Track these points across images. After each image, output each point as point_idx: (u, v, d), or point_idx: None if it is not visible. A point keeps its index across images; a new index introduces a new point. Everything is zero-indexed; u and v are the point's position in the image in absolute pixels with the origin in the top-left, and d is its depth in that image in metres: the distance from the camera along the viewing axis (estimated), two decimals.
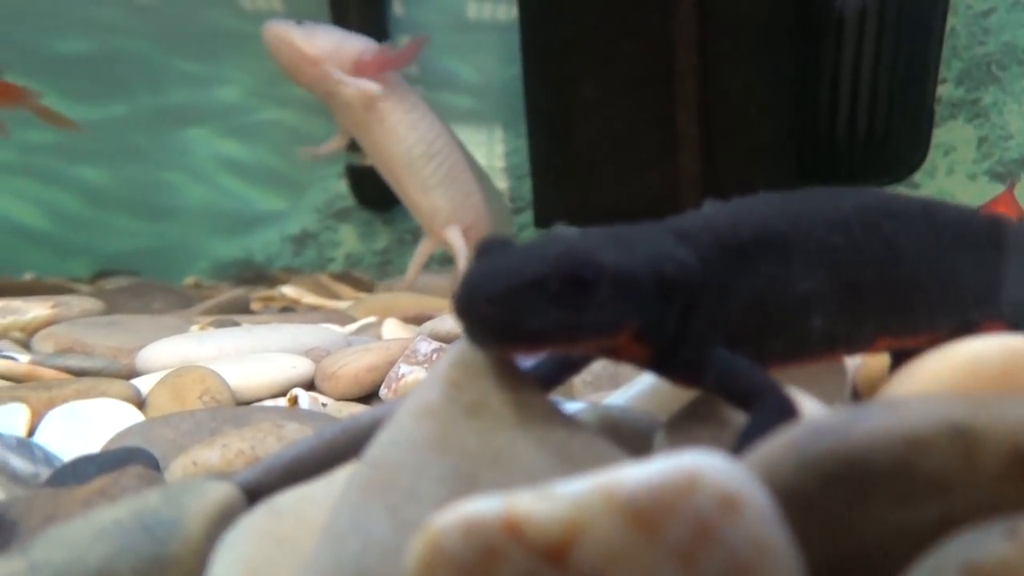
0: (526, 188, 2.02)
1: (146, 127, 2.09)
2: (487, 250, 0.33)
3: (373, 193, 2.04)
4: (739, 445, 0.31)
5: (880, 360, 0.46)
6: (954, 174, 2.12)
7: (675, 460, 0.25)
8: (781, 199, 0.38)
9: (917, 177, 2.12)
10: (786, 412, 0.32)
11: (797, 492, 0.25)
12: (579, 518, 0.24)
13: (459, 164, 1.37)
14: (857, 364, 0.49)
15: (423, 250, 1.43)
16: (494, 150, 2.21)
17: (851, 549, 0.24)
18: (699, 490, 0.24)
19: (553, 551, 0.24)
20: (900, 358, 0.42)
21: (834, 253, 0.37)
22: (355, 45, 1.26)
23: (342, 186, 2.13)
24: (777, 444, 0.26)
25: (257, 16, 2.00)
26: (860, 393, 0.47)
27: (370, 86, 1.24)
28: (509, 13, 2.02)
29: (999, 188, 2.09)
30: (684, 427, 0.37)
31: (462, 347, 0.33)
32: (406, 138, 1.30)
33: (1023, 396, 0.23)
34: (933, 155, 2.09)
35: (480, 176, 1.49)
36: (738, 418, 0.35)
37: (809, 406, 0.34)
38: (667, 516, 0.24)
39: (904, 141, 2.03)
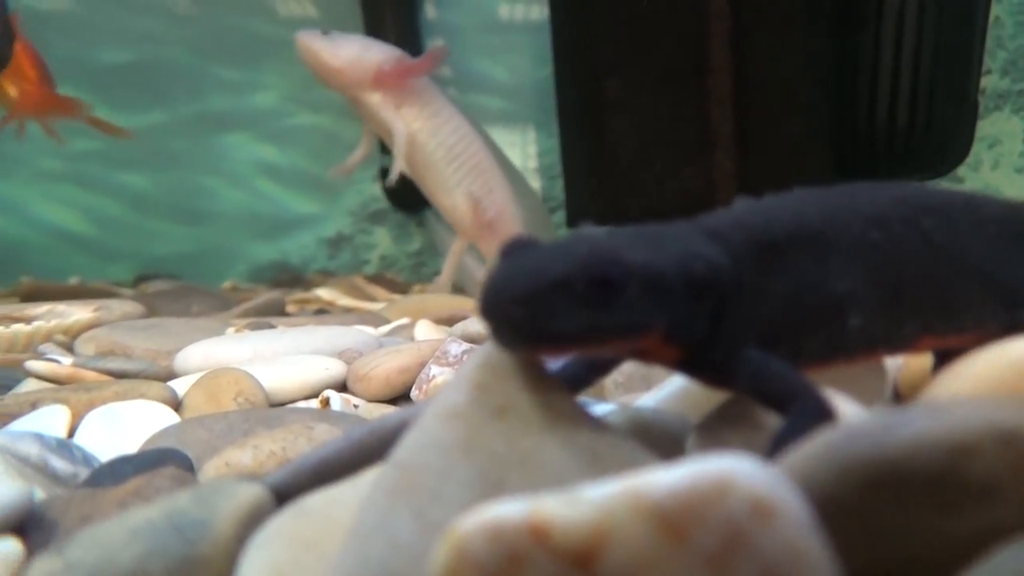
0: (559, 188, 2.02)
1: (186, 134, 2.14)
2: (512, 250, 0.32)
3: (407, 196, 2.06)
4: (773, 449, 0.30)
5: (923, 361, 0.44)
6: (1000, 168, 2.06)
7: (705, 464, 0.24)
8: (816, 195, 0.37)
9: (961, 171, 2.06)
10: (822, 415, 0.31)
11: (834, 498, 0.24)
12: (606, 524, 0.24)
13: (483, 163, 1.40)
14: (899, 365, 0.47)
15: (455, 249, 1.45)
16: (527, 150, 2.22)
17: (891, 558, 0.23)
18: (730, 495, 0.24)
19: (580, 557, 0.24)
20: (944, 358, 0.40)
21: (872, 250, 0.36)
22: (376, 55, 1.30)
23: (376, 189, 2.16)
24: (813, 448, 0.25)
25: (292, 23, 2.04)
26: (902, 395, 0.45)
27: (386, 100, 1.29)
28: (541, 13, 2.02)
29: None
30: (716, 430, 0.36)
31: (488, 349, 0.33)
32: (427, 143, 1.34)
33: None
34: (977, 148, 2.03)
35: (512, 174, 1.51)
36: (772, 421, 0.34)
37: (847, 409, 0.32)
38: (697, 523, 0.24)
39: (946, 134, 1.98)
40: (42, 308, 0.91)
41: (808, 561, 0.23)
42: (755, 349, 0.34)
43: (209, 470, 0.43)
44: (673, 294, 0.31)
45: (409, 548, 0.27)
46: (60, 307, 0.93)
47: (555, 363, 0.38)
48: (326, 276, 2.13)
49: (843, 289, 0.35)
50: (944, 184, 2.05)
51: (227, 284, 2.10)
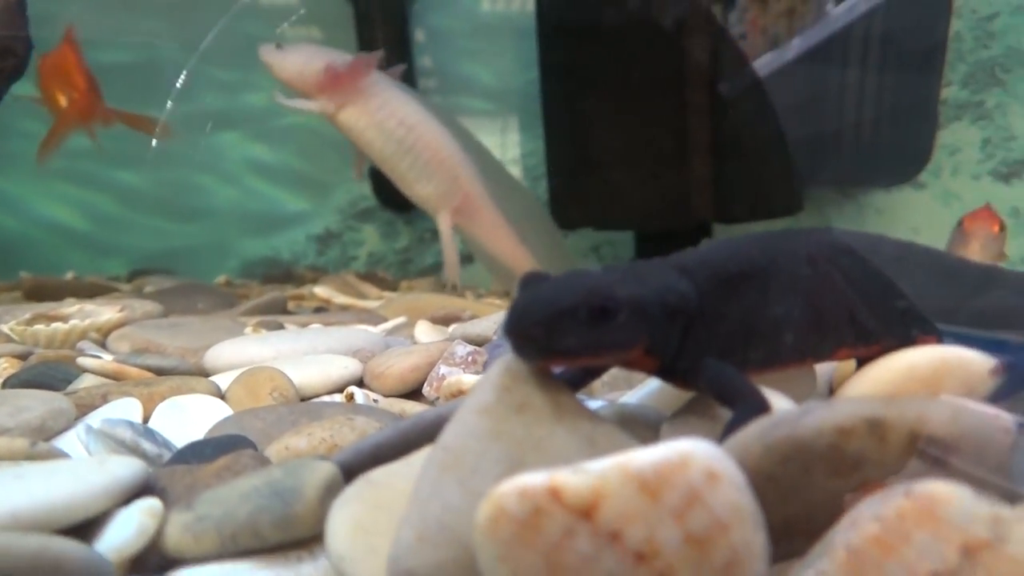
0: (542, 189, 2.10)
1: (179, 132, 2.18)
2: (530, 283, 0.42)
3: (394, 194, 2.13)
4: (723, 435, 0.41)
5: (850, 364, 0.56)
6: (959, 174, 2.17)
7: (673, 445, 0.34)
8: (762, 238, 0.48)
9: (922, 177, 2.18)
10: (761, 408, 0.41)
11: (762, 468, 0.34)
12: (603, 487, 0.33)
13: (440, 153, 1.43)
14: (834, 367, 0.59)
15: (444, 232, 1.49)
16: (511, 152, 2.29)
17: (799, 510, 0.34)
18: (691, 466, 0.33)
19: (584, 510, 0.33)
20: (861, 363, 0.52)
21: (803, 282, 0.47)
22: (319, 62, 1.37)
23: (365, 187, 2.22)
24: (749, 432, 0.35)
25: (285, 27, 2.09)
26: (836, 388, 0.57)
27: (330, 104, 1.36)
28: (527, 18, 2.08)
29: (1002, 188, 2.15)
30: (684, 420, 0.47)
31: (510, 359, 0.43)
32: (375, 139, 1.40)
33: (920, 396, 0.33)
34: (938, 156, 2.15)
35: (489, 164, 1.54)
36: (725, 414, 0.44)
37: (780, 403, 0.43)
38: (667, 485, 0.33)
39: (909, 144, 2.10)
40: (74, 307, 0.99)
41: (742, 512, 0.33)
42: (714, 359, 0.44)
43: (272, 452, 0.52)
44: (653, 319, 0.41)
45: (457, 508, 0.37)
46: (89, 306, 1.01)
47: (559, 370, 0.48)
48: (316, 272, 2.19)
49: (780, 313, 0.46)
50: (908, 189, 2.18)
51: (221, 279, 2.15)
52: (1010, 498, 0.36)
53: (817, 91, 1.93)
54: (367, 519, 0.38)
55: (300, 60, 1.38)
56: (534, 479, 0.34)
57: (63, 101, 1.35)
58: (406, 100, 1.43)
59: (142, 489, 0.42)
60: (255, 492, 0.39)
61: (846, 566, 0.32)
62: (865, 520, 0.31)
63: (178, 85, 1.64)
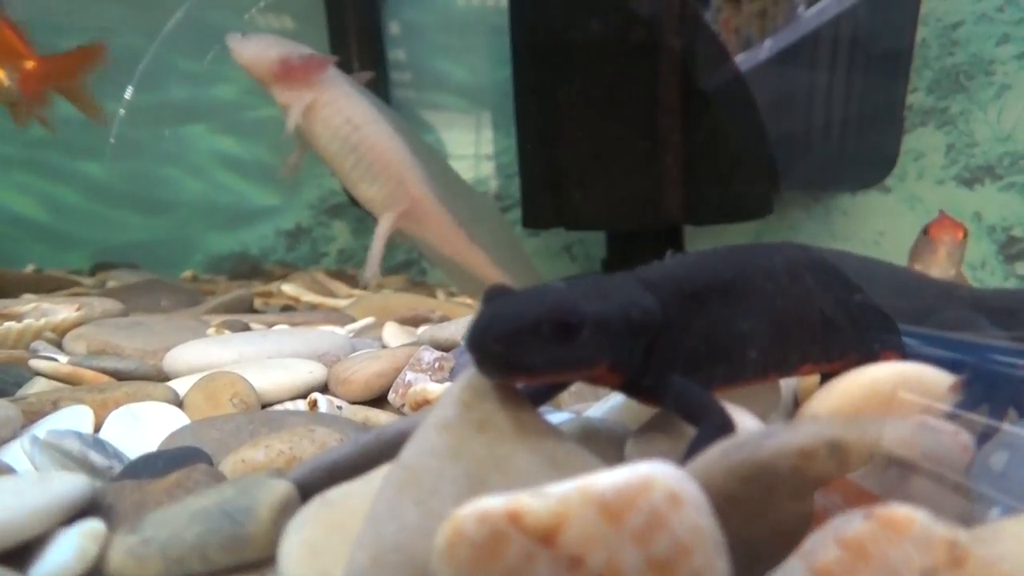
0: (515, 187, 2.10)
1: (146, 123, 2.14)
2: (493, 297, 0.41)
3: None
4: (687, 454, 0.40)
5: (814, 379, 0.56)
6: (923, 179, 2.22)
7: (636, 468, 0.33)
8: (727, 253, 0.48)
9: (888, 182, 2.22)
10: (725, 427, 0.41)
11: (724, 490, 0.34)
12: (564, 511, 0.33)
13: (387, 154, 1.43)
14: (798, 381, 0.59)
15: (379, 233, 1.48)
16: (483, 149, 2.28)
17: (762, 533, 0.33)
18: (653, 489, 0.33)
19: (544, 535, 0.33)
20: (825, 378, 0.52)
21: (767, 298, 0.46)
22: (275, 52, 1.38)
23: (335, 183, 2.19)
24: (712, 454, 0.35)
25: (254, 14, 2.06)
26: (800, 402, 0.57)
27: (282, 97, 1.38)
28: (501, 15, 2.08)
29: (965, 192, 2.19)
30: (648, 436, 0.46)
31: (472, 374, 0.42)
32: (321, 136, 1.40)
33: (880, 417, 0.33)
34: (903, 161, 2.19)
35: (438, 167, 1.54)
36: (689, 430, 0.44)
37: (744, 420, 0.43)
38: (629, 508, 0.33)
39: (875, 148, 2.13)
40: (28, 305, 0.96)
41: (704, 535, 0.33)
42: (678, 375, 0.44)
43: (227, 466, 0.51)
44: (617, 335, 0.41)
45: (414, 528, 0.36)
46: (45, 304, 0.97)
47: (523, 385, 0.47)
48: (285, 268, 2.17)
49: (745, 328, 0.45)
50: (874, 194, 2.21)
51: (186, 274, 2.12)
52: (967, 519, 0.36)
53: (786, 93, 1.95)
54: (321, 541, 0.37)
55: (257, 48, 1.38)
56: (493, 503, 0.33)
57: (5, 79, 1.28)
58: (356, 100, 1.43)
59: (87, 507, 0.40)
60: (204, 512, 0.37)
61: None
62: (827, 543, 0.31)
63: (139, 70, 1.61)
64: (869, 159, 2.19)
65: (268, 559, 0.38)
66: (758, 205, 1.87)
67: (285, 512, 0.40)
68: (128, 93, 1.66)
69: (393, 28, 2.20)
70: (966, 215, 2.15)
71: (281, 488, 0.40)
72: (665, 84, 1.70)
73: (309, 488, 0.43)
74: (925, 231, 1.10)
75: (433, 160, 1.54)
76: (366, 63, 2.04)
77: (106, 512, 0.41)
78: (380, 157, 1.42)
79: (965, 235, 1.09)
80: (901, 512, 0.32)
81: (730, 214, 1.82)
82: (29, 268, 1.96)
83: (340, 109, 1.40)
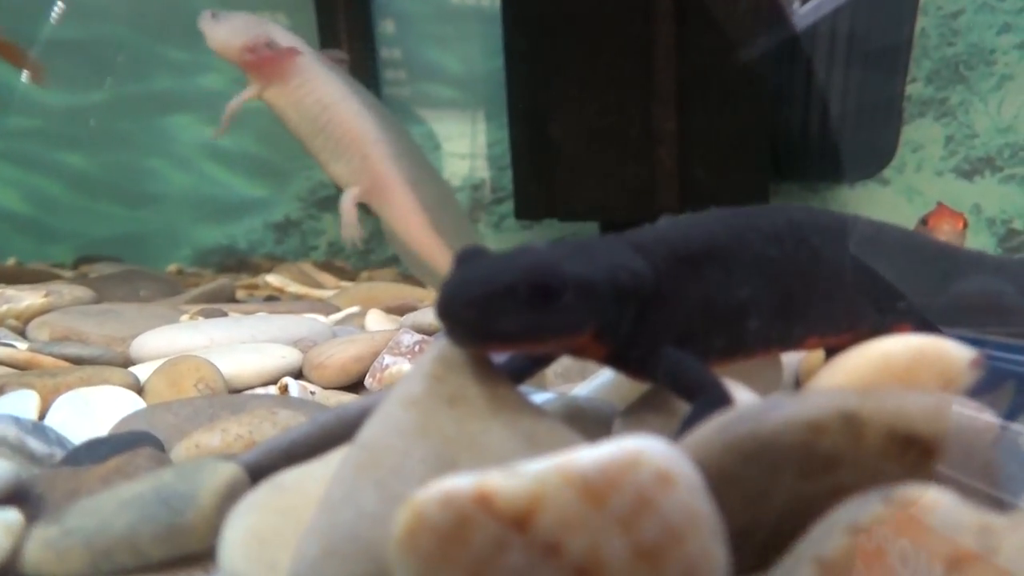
0: (507, 179, 2.06)
1: (130, 114, 2.09)
2: (466, 259, 0.37)
3: None
4: (680, 431, 0.36)
5: (819, 354, 0.51)
6: (922, 171, 2.18)
7: (621, 443, 0.29)
8: (726, 215, 0.43)
9: (887, 173, 2.18)
10: (722, 403, 0.37)
11: (722, 469, 0.30)
12: (540, 492, 0.29)
13: (353, 130, 1.45)
14: (801, 358, 0.55)
15: (347, 200, 1.50)
16: (476, 140, 2.24)
17: (764, 516, 0.29)
18: (641, 468, 0.29)
19: (517, 520, 0.29)
20: (831, 353, 0.47)
21: (769, 263, 0.42)
22: (242, 36, 1.37)
23: (325, 175, 2.16)
24: (708, 428, 0.31)
25: (240, 4, 2.01)
26: (801, 382, 0.53)
27: (254, 77, 1.39)
28: (493, 4, 2.04)
29: (965, 185, 2.16)
30: (639, 415, 0.42)
31: (443, 345, 0.38)
32: (293, 116, 1.41)
33: (901, 388, 0.29)
34: (902, 152, 2.15)
35: (411, 153, 1.56)
36: (684, 408, 0.39)
37: (744, 397, 0.39)
38: (614, 489, 0.29)
39: (874, 140, 2.10)
40: None
41: (699, 519, 0.28)
42: (672, 347, 0.39)
43: (180, 451, 0.46)
44: (602, 300, 0.36)
45: (373, 515, 0.32)
46: (9, 291, 0.93)
47: (501, 357, 0.43)
48: (273, 261, 2.12)
49: (745, 296, 0.41)
50: (872, 185, 2.18)
51: (172, 268, 2.07)
52: (999, 504, 0.32)
53: (784, 85, 1.92)
54: (269, 529, 0.33)
55: (228, 30, 1.37)
56: (460, 483, 0.29)
57: None
58: (327, 79, 1.43)
59: (10, 497, 0.36)
60: (138, 499, 0.33)
61: None
62: (839, 530, 0.27)
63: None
64: (868, 151, 2.16)
65: (210, 551, 0.34)
66: (754, 196, 1.83)
67: (231, 498, 0.35)
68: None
69: (384, 17, 2.17)
70: (965, 207, 2.12)
71: (226, 472, 0.36)
72: (659, 73, 1.67)
73: (263, 472, 0.38)
74: (924, 221, 1.06)
75: (403, 142, 1.55)
76: (356, 53, 2.01)
77: (35, 502, 0.37)
78: (347, 133, 1.43)
79: (965, 225, 1.05)
80: (924, 494, 0.28)
81: (725, 205, 1.78)
82: (11, 261, 1.92)
83: (312, 90, 1.40)
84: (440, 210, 1.55)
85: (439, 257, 1.51)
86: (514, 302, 0.34)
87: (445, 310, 0.35)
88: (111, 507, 0.33)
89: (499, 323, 0.34)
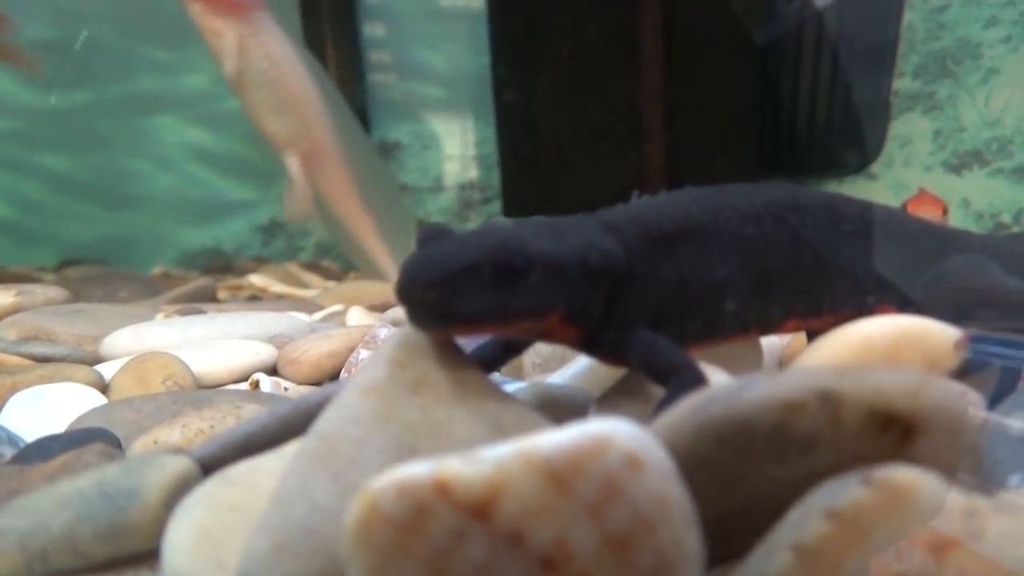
0: (495, 177, 2.04)
1: (113, 115, 2.07)
2: (427, 239, 0.35)
3: None
4: (653, 414, 0.34)
5: (801, 338, 0.50)
6: (910, 165, 2.18)
7: (587, 427, 0.28)
8: (701, 193, 0.42)
9: (875, 168, 2.18)
10: (696, 384, 0.35)
11: (694, 452, 0.28)
12: (501, 478, 0.27)
13: (299, 93, 1.45)
14: (785, 343, 0.53)
15: (292, 169, 1.49)
16: (464, 139, 2.23)
17: (738, 501, 0.28)
18: (608, 451, 0.27)
19: (477, 508, 0.27)
20: (813, 336, 0.46)
21: (747, 243, 0.40)
22: None
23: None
24: (679, 411, 0.29)
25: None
26: (785, 366, 0.51)
27: (208, 24, 1.38)
28: (479, 2, 2.03)
29: (953, 179, 2.16)
30: (613, 401, 0.40)
31: (406, 330, 0.36)
32: (236, 65, 1.40)
33: (881, 366, 0.27)
34: (890, 147, 2.15)
35: (342, 116, 1.56)
36: (660, 393, 0.38)
37: (720, 380, 0.37)
38: (579, 475, 0.27)
39: (862, 134, 2.09)
40: None
41: (670, 506, 0.27)
42: (645, 329, 0.38)
43: (138, 448, 0.44)
44: (571, 280, 0.35)
45: (327, 508, 0.30)
46: None
47: (471, 344, 0.41)
48: (260, 263, 2.10)
49: (721, 277, 0.39)
50: (860, 180, 2.17)
51: (157, 270, 2.05)
52: (984, 487, 0.31)
53: (771, 81, 1.91)
54: (217, 526, 0.31)
55: None
56: (416, 471, 0.27)
57: None
58: (278, 38, 1.44)
59: None
60: (78, 496, 0.31)
61: (794, 570, 0.26)
62: (817, 514, 0.25)
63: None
64: (856, 146, 2.15)
65: (159, 550, 0.32)
66: None
67: (180, 494, 0.33)
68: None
69: (369, 15, 2.15)
70: (954, 201, 2.11)
71: (175, 466, 0.34)
72: (645, 70, 1.66)
73: (218, 466, 0.36)
74: (903, 207, 1.05)
75: (344, 116, 1.55)
76: (341, 53, 2.00)
77: None
78: (291, 94, 1.43)
79: (945, 212, 1.04)
80: (907, 475, 0.26)
81: None
82: None
83: (262, 43, 1.40)
84: (374, 188, 1.55)
85: (369, 236, 1.52)
86: (477, 282, 0.33)
87: (404, 292, 0.33)
88: (49, 505, 0.31)
89: (461, 304, 0.33)
